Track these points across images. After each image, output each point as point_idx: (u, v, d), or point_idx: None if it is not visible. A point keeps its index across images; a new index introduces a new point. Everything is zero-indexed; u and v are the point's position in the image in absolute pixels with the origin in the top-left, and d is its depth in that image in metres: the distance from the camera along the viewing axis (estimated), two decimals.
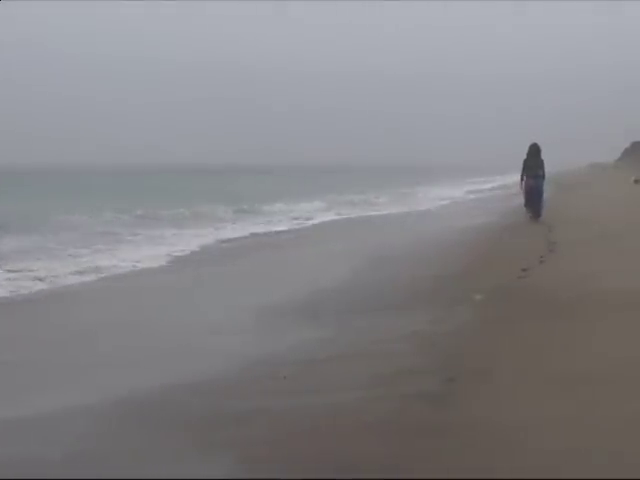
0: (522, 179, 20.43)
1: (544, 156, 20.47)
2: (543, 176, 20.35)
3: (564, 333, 7.25)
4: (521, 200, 21.03)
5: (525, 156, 20.41)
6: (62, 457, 5.16)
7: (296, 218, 29.85)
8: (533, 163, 20.28)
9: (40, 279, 14.05)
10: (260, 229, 24.87)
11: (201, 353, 7.96)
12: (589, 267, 11.27)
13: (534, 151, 20.35)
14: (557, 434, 4.67)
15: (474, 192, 49.23)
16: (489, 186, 58.21)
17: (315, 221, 28.76)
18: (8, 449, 5.37)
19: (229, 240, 21.84)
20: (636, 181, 34.33)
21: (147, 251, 18.83)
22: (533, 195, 20.29)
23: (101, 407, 6.15)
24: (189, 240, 21.31)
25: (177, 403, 6.18)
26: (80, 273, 14.86)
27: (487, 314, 8.54)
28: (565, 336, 7.15)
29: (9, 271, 14.95)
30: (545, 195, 20.95)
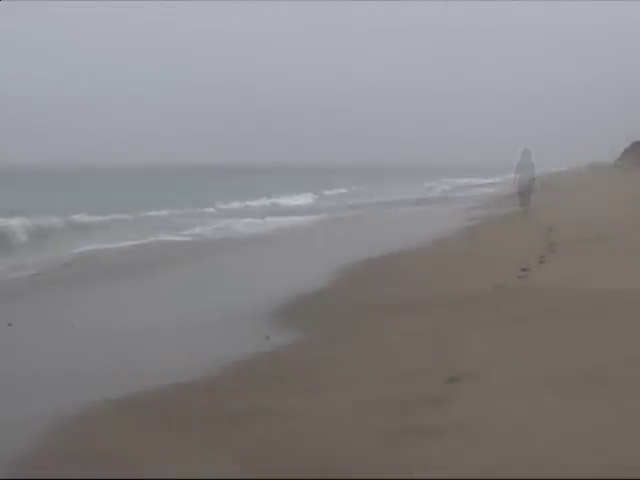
0: (515, 179, 25.22)
1: (542, 156, 23.68)
2: (533, 177, 24.91)
3: (564, 333, 7.25)
4: None
5: (518, 159, 24.96)
6: (62, 456, 5.16)
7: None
8: (524, 165, 24.74)
9: None
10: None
11: (200, 353, 7.96)
12: (589, 267, 11.27)
13: (526, 155, 24.92)
14: (557, 434, 4.67)
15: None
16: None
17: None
18: (7, 448, 5.37)
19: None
20: None
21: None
22: (525, 192, 24.76)
23: (101, 406, 6.15)
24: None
25: (176, 403, 6.18)
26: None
27: (487, 314, 8.54)
28: (565, 336, 7.15)
29: None
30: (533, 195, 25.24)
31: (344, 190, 52.57)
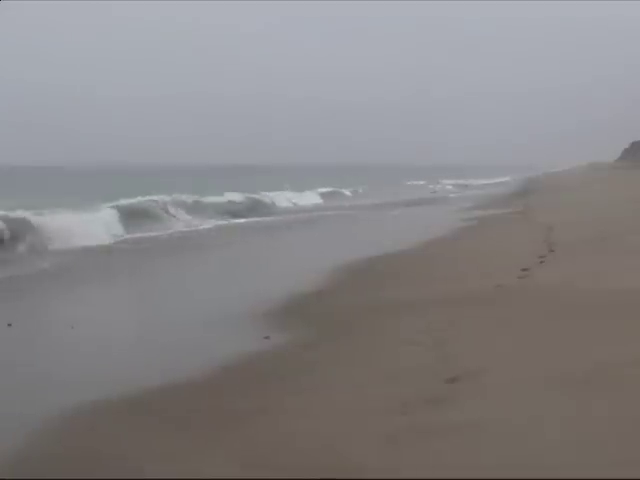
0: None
1: (543, 156, 23.96)
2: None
3: (564, 333, 7.25)
4: None
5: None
6: (62, 456, 5.16)
7: None
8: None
9: None
10: None
11: (200, 353, 7.96)
12: (589, 267, 11.27)
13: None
14: (557, 434, 4.68)
15: None
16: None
17: None
18: (7, 446, 5.37)
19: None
20: None
21: None
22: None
23: (101, 405, 6.16)
24: None
25: (176, 403, 6.18)
26: None
27: (487, 314, 8.53)
28: (565, 336, 7.15)
29: None
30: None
31: (347, 190, 52.76)
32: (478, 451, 4.57)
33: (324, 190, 49.02)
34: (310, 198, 43.67)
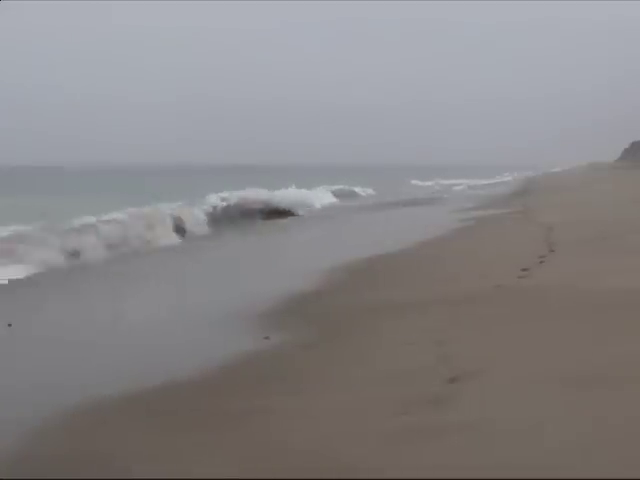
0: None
1: (543, 156, 24.01)
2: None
3: (564, 333, 7.24)
4: None
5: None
6: (60, 456, 5.16)
7: None
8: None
9: None
10: None
11: (200, 353, 7.96)
12: (589, 267, 11.26)
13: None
14: (557, 434, 4.67)
15: None
16: None
17: None
18: (7, 446, 5.37)
19: None
20: None
21: None
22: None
23: (101, 406, 6.16)
24: None
25: (175, 403, 6.18)
26: None
27: (487, 314, 8.53)
28: (565, 336, 7.15)
29: None
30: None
31: (359, 189, 52.73)
32: (478, 451, 4.56)
33: (334, 188, 48.70)
34: (326, 197, 43.36)
